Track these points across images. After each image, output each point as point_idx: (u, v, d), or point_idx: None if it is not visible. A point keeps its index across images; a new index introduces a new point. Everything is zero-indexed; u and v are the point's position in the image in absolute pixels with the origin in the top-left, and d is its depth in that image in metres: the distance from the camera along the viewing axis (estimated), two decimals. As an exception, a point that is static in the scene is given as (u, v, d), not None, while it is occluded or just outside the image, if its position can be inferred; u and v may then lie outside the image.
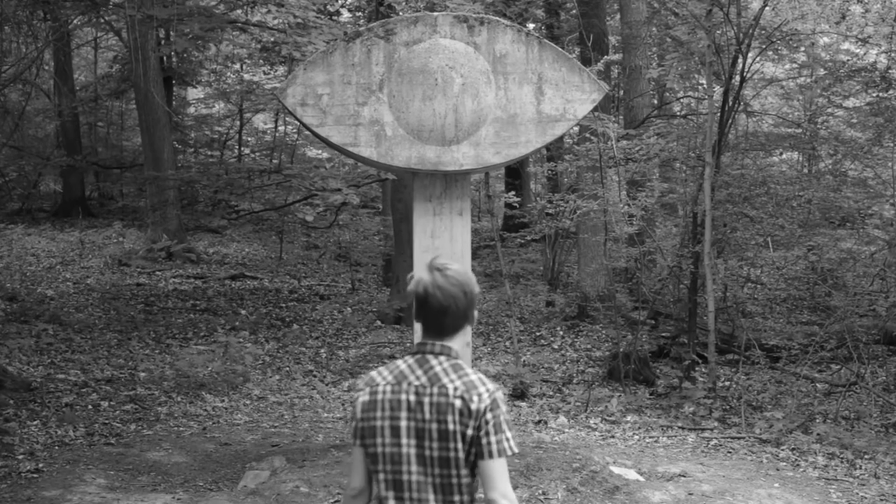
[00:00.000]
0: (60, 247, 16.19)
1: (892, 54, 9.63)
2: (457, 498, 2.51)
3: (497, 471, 2.48)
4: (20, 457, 6.10)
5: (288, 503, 5.01)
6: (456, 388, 2.50)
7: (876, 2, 9.41)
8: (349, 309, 13.29)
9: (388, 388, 2.56)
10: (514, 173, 18.69)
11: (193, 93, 23.31)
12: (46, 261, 14.98)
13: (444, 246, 5.77)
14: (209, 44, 13.43)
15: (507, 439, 2.49)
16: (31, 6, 10.32)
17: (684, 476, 5.98)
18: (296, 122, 13.33)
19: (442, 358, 2.56)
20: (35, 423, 6.99)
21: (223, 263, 16.37)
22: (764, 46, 9.69)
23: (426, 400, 2.51)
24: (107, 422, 7.30)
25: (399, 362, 2.60)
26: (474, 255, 14.85)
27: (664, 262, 10.43)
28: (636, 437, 7.55)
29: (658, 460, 6.46)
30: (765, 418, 7.77)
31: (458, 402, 2.48)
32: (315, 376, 9.66)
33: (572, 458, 5.83)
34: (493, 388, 2.52)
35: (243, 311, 12.57)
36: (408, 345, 10.83)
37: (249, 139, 22.37)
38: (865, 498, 5.90)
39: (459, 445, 2.47)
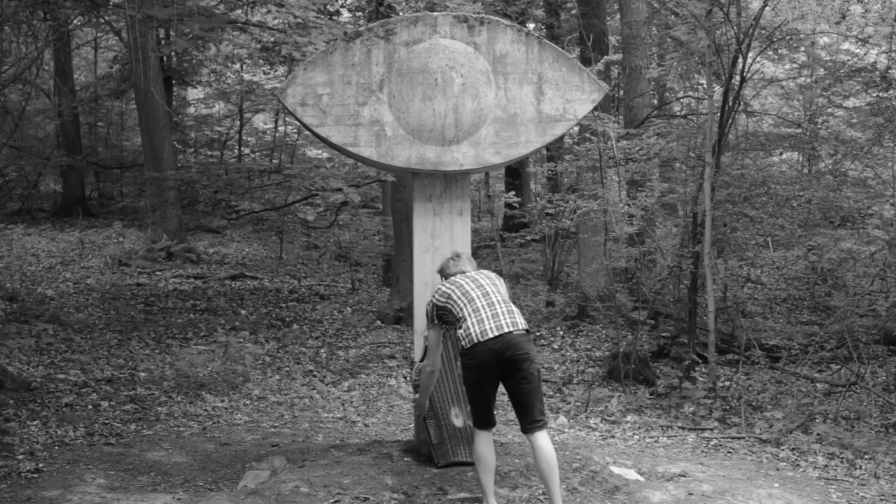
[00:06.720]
0: (60, 247, 16.19)
1: (892, 54, 9.63)
2: (514, 305, 4.93)
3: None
4: (20, 457, 6.10)
5: (288, 503, 5.01)
6: (492, 273, 5.11)
7: (876, 2, 9.40)
8: (349, 309, 13.29)
9: (453, 284, 5.00)
10: (514, 173, 18.69)
11: (193, 93, 23.29)
12: (46, 261, 14.98)
13: (444, 246, 5.77)
14: (209, 44, 13.42)
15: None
16: (31, 6, 10.32)
17: (684, 476, 5.98)
18: (296, 122, 13.33)
19: (471, 270, 5.16)
20: (35, 423, 6.99)
21: (223, 263, 16.37)
22: (764, 46, 9.69)
23: (483, 275, 5.04)
24: (107, 422, 7.30)
25: (453, 278, 5.10)
26: (474, 255, 14.75)
27: (664, 262, 10.43)
28: (636, 437, 7.55)
29: (658, 460, 6.46)
30: (765, 418, 7.77)
31: (496, 277, 5.06)
32: (315, 376, 9.66)
33: (572, 458, 5.83)
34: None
35: (243, 311, 12.57)
36: (408, 345, 10.83)
37: (249, 139, 22.35)
38: (865, 498, 5.90)
39: (504, 289, 4.99)
